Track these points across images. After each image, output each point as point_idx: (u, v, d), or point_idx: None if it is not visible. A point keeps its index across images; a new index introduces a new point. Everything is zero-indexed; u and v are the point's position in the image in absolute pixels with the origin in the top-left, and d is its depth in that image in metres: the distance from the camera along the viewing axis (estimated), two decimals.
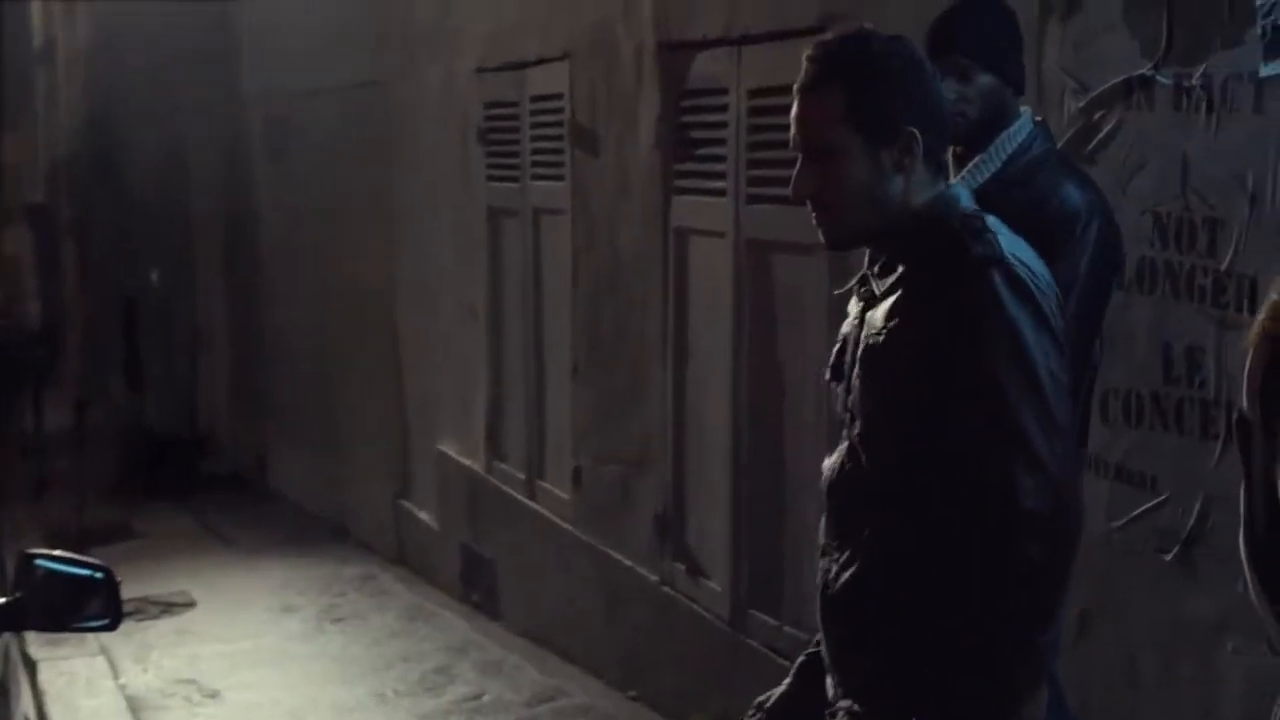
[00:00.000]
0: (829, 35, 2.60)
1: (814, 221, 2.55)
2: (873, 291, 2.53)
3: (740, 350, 5.38)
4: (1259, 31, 3.27)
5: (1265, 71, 3.26)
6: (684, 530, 5.82)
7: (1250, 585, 2.00)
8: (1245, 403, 1.94)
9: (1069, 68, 3.78)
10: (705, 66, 5.53)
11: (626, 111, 6.01)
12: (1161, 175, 3.55)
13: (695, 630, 5.64)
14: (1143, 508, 3.62)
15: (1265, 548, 1.96)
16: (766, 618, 5.24)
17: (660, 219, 5.81)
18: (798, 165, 2.54)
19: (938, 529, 2.40)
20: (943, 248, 2.47)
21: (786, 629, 5.05)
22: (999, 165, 3.37)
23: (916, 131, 2.51)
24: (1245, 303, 3.35)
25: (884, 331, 2.47)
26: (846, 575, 2.50)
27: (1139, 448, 3.61)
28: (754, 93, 5.22)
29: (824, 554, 2.58)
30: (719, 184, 5.44)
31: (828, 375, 2.68)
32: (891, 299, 2.48)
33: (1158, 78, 3.54)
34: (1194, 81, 3.44)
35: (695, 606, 5.66)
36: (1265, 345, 1.88)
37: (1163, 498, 3.58)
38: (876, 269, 2.54)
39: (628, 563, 6.12)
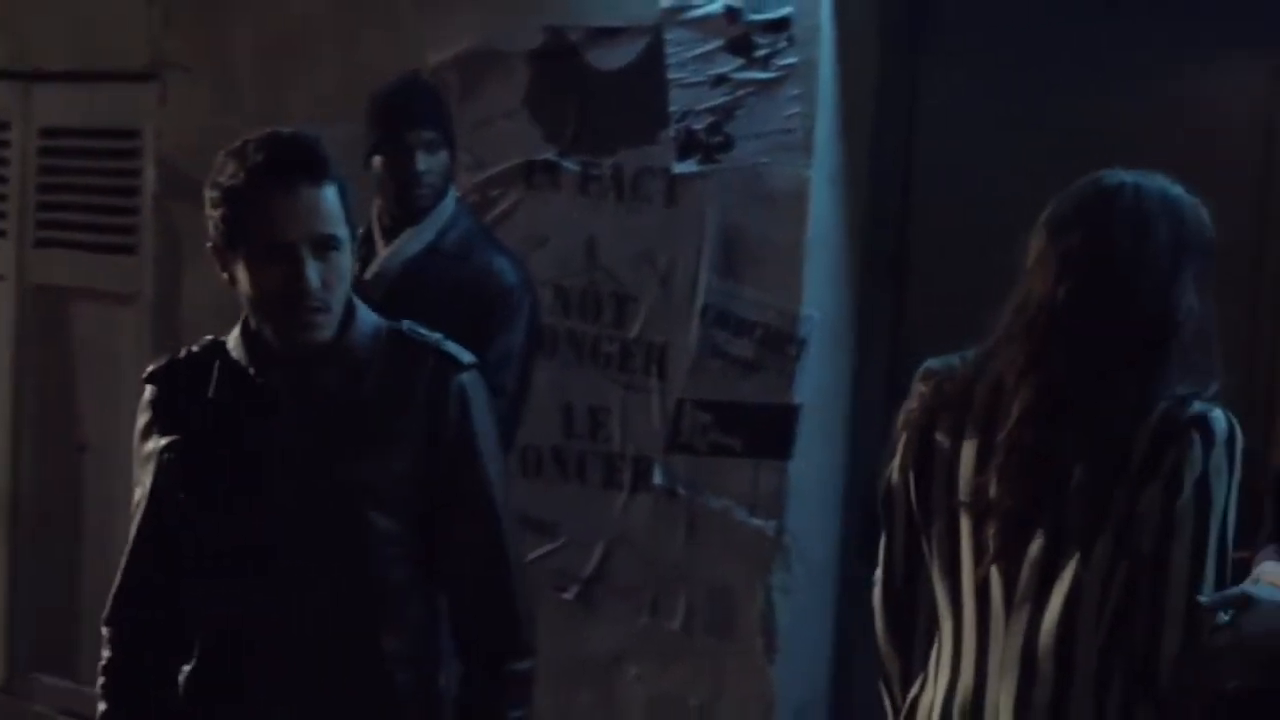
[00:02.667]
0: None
1: (307, 321, 2.29)
2: None
3: (23, 401, 5.10)
4: (672, 134, 3.76)
5: (678, 169, 3.76)
6: None
7: (880, 626, 2.44)
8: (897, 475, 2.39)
9: (466, 145, 4.07)
10: None
11: None
12: (565, 251, 3.94)
13: None
14: (542, 550, 3.98)
15: (899, 595, 2.41)
16: (55, 680, 5.01)
17: None
18: (301, 260, 2.27)
19: None
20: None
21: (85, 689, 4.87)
22: (432, 236, 3.60)
23: None
24: (653, 368, 3.83)
25: None
26: None
27: (540, 497, 3.97)
28: (46, 132, 5.00)
29: None
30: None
31: None
32: None
33: (564, 163, 3.93)
34: (604, 170, 3.87)
35: None
36: (913, 434, 2.34)
37: (561, 541, 3.97)
38: None
39: None
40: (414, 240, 3.60)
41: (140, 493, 2.40)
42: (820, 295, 3.64)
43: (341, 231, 2.25)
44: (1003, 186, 3.71)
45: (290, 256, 2.21)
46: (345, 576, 2.30)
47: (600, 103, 3.89)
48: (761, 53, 3.61)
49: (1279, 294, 4.31)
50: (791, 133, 3.58)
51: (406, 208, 3.58)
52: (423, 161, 3.53)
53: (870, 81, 3.68)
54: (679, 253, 3.78)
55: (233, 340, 2.37)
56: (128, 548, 2.42)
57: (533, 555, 3.95)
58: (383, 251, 3.62)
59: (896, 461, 2.37)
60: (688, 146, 3.74)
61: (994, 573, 2.19)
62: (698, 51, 3.71)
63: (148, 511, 2.38)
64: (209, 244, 2.31)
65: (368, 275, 3.60)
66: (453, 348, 2.40)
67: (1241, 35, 3.65)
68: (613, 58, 3.85)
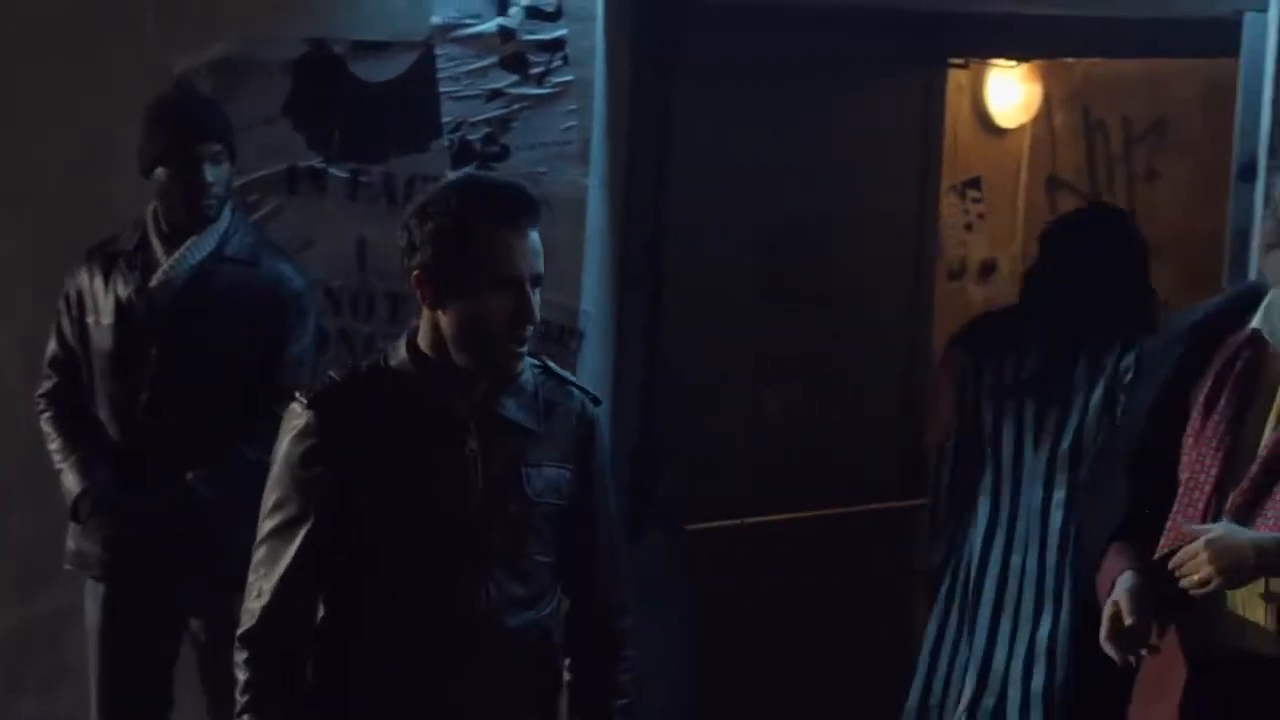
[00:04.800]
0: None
1: (517, 351, 2.56)
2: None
3: None
4: (446, 144, 4.01)
5: (452, 177, 4.00)
6: None
7: None
8: None
9: None
10: None
11: None
12: (333, 254, 4.10)
13: None
14: None
15: None
16: None
17: None
18: (528, 294, 2.53)
19: None
20: None
21: None
22: (215, 243, 3.74)
23: None
24: None
25: None
26: None
27: None
28: None
29: None
30: None
31: None
32: None
33: (330, 170, 4.10)
34: (374, 177, 4.07)
35: None
36: None
37: None
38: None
39: None
40: (198, 248, 3.72)
41: (290, 514, 2.53)
42: (594, 292, 3.98)
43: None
44: (742, 188, 4.20)
45: (520, 290, 2.47)
46: (515, 575, 2.59)
47: (368, 112, 4.08)
48: (536, 70, 3.92)
49: (931, 285, 5.02)
50: (569, 144, 3.90)
51: (193, 217, 3.70)
52: (210, 173, 3.66)
53: (627, 96, 4.04)
54: None
55: (403, 366, 2.56)
56: (280, 569, 2.52)
57: None
58: (165, 260, 3.71)
59: None
60: (462, 155, 4.00)
61: None
62: (471, 67, 3.97)
63: (311, 536, 2.51)
64: (414, 273, 2.51)
65: (153, 283, 3.71)
66: (585, 385, 2.75)
67: (906, 52, 4.39)
68: (380, 70, 4.05)
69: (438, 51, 3.98)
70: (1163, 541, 2.39)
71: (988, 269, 5.91)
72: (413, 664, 2.54)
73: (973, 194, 5.79)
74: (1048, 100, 5.99)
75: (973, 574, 3.82)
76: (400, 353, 2.59)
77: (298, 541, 2.51)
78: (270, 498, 2.57)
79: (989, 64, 5.65)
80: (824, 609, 4.32)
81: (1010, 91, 5.79)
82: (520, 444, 2.59)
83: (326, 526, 2.51)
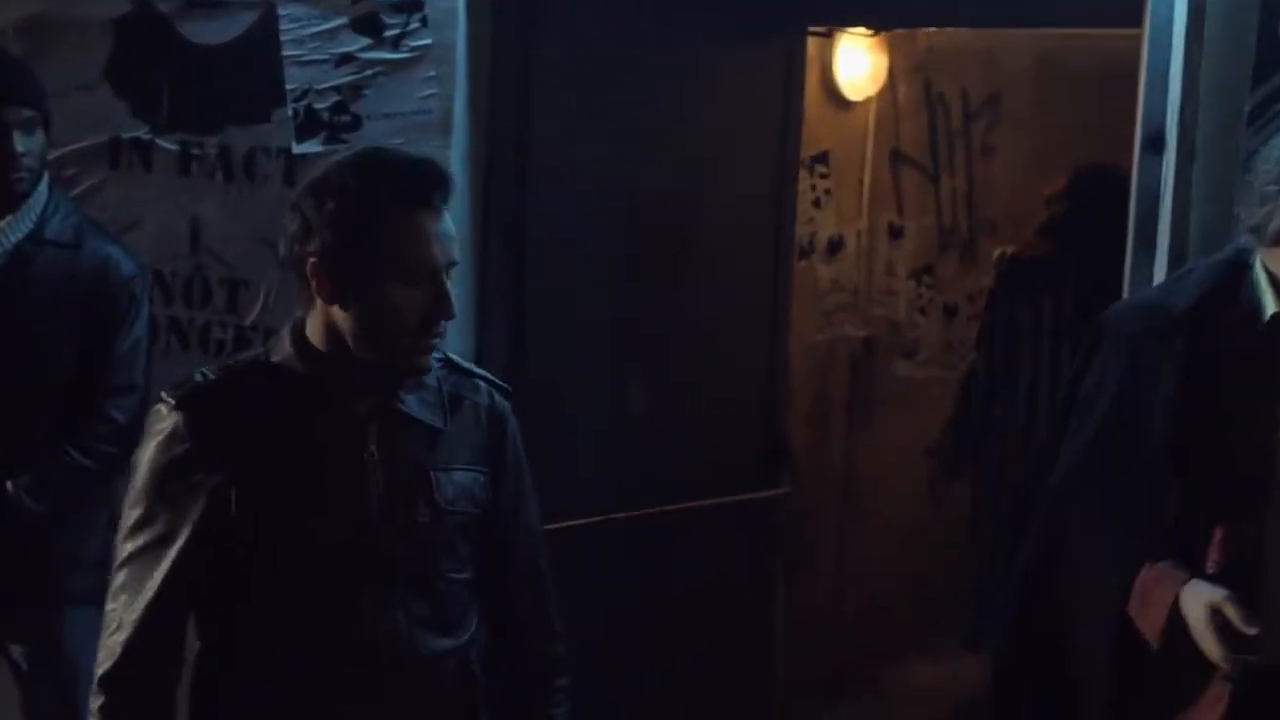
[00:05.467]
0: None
1: (430, 347, 2.26)
2: None
3: None
4: (290, 113, 3.65)
5: (298, 150, 3.65)
6: None
7: None
8: None
9: None
10: None
11: None
12: (163, 235, 3.72)
13: None
14: None
15: None
16: None
17: None
18: (444, 286, 2.24)
19: None
20: None
21: None
22: (33, 223, 3.35)
23: None
24: None
25: None
26: None
27: None
28: None
29: None
30: None
31: None
32: None
33: (158, 142, 3.71)
34: (208, 150, 3.69)
35: None
36: None
37: None
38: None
39: None
40: (13, 229, 3.34)
41: (157, 532, 2.17)
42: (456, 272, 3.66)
43: None
44: (601, 159, 3.92)
45: (435, 281, 2.14)
46: (425, 596, 2.26)
47: (200, 79, 3.71)
48: (392, 33, 3.58)
49: (791, 263, 4.82)
50: (428, 114, 3.58)
51: (3, 192, 3.30)
52: (20, 142, 3.27)
53: (487, 62, 3.73)
54: None
55: (288, 361, 2.19)
56: (145, 597, 2.17)
57: None
58: None
59: None
60: (308, 126, 3.65)
61: None
62: (318, 29, 3.62)
63: (182, 558, 2.16)
64: (309, 262, 2.18)
65: None
66: (493, 376, 2.44)
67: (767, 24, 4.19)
68: (214, 31, 3.69)
69: (280, 11, 3.64)
70: (1215, 550, 2.18)
71: (835, 246, 5.71)
72: (302, 701, 2.23)
73: (820, 169, 5.58)
74: (893, 72, 5.81)
75: None
76: (285, 347, 2.26)
77: (166, 564, 2.18)
78: (131, 515, 2.23)
79: (838, 33, 5.44)
80: (686, 605, 4.12)
81: (858, 62, 5.59)
82: (426, 445, 2.29)
83: (199, 545, 2.18)
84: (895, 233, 6.06)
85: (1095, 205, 4.08)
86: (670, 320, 4.19)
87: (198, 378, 2.26)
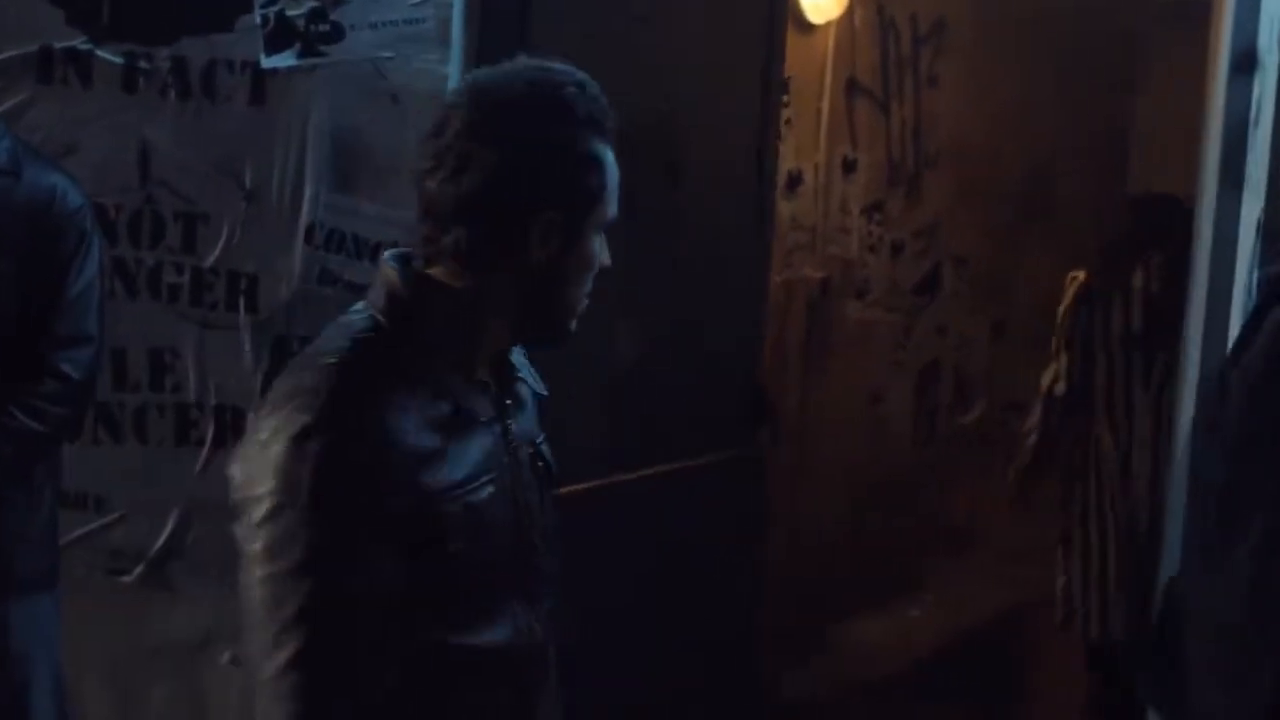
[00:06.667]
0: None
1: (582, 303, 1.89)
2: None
3: None
4: (257, 20, 3.14)
5: (268, 63, 3.15)
6: None
7: None
8: None
9: None
10: None
11: None
12: (104, 162, 3.20)
13: None
14: (89, 528, 3.26)
15: None
16: None
17: None
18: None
19: None
20: None
21: None
22: None
23: None
24: (240, 300, 3.22)
25: None
26: None
27: (85, 466, 3.23)
28: None
29: None
30: None
31: None
32: None
33: (98, 53, 3.18)
34: (158, 63, 3.17)
35: None
36: None
37: (115, 515, 3.27)
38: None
39: None
40: None
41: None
42: None
43: None
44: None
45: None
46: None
47: None
48: None
49: (774, 197, 4.45)
50: (422, 23, 3.11)
51: None
52: None
53: None
54: (272, 163, 3.19)
55: (413, 341, 1.76)
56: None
57: (74, 534, 3.24)
58: None
59: None
60: (280, 36, 3.15)
61: None
62: None
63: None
64: (553, 210, 1.76)
65: None
66: None
67: None
68: None
69: None
70: None
71: (794, 182, 5.32)
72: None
73: (783, 97, 5.19)
74: None
75: None
76: (391, 324, 1.76)
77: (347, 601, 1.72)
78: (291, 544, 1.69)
79: None
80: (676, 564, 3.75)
81: None
82: (532, 415, 1.96)
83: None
84: (849, 167, 5.70)
85: (1155, 231, 4.42)
86: (661, 258, 3.79)
87: (319, 391, 1.69)
